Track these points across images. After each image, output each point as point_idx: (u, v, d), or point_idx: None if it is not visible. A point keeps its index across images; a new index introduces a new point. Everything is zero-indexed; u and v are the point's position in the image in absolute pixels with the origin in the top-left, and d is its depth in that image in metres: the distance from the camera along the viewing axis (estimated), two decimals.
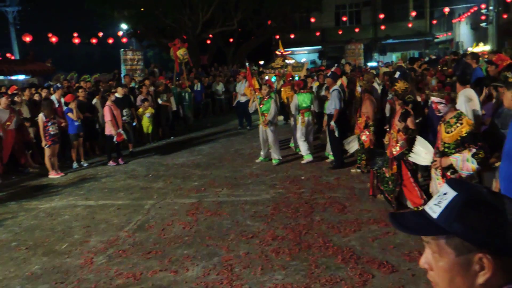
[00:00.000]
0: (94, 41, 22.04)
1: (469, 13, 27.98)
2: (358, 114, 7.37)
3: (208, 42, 26.03)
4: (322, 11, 29.49)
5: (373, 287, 3.87)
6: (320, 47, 31.49)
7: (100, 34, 22.45)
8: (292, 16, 27.81)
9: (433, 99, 4.40)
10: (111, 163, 9.43)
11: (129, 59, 16.80)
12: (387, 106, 7.49)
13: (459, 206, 0.96)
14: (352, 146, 7.49)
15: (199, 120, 15.75)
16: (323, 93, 9.41)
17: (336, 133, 7.86)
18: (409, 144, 5.41)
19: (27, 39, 18.39)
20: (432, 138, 5.32)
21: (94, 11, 22.15)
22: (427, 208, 1.02)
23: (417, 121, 5.85)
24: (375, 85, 8.81)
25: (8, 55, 23.11)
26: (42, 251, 5.12)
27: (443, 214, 0.97)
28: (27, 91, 10.67)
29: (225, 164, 9.00)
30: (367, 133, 7.04)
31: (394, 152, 5.59)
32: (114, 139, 9.24)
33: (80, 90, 10.28)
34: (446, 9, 27.97)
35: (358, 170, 7.57)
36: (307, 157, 8.59)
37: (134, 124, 10.85)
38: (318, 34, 30.71)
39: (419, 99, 6.69)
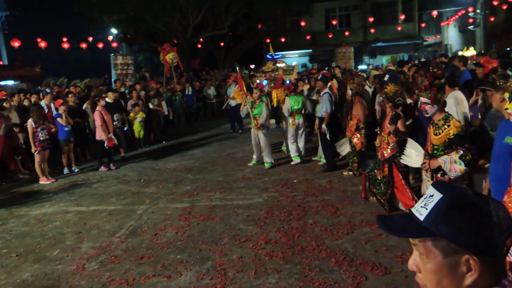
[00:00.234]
0: (84, 45, 21.89)
1: (457, 16, 28.36)
2: (349, 117, 7.41)
3: (199, 46, 25.98)
4: (312, 14, 29.63)
5: None
6: (310, 50, 31.63)
7: (90, 38, 22.28)
8: (282, 19, 27.88)
9: (422, 99, 4.45)
10: (102, 168, 9.37)
11: (120, 63, 16.72)
12: (377, 108, 7.54)
13: (445, 208, 0.97)
14: (344, 148, 7.52)
15: (191, 124, 15.71)
16: (314, 96, 9.46)
17: (328, 136, 7.90)
18: (400, 147, 5.45)
19: (16, 44, 18.21)
20: (422, 140, 5.37)
21: (84, 16, 22.01)
22: (414, 210, 1.04)
23: (408, 123, 5.90)
24: (366, 88, 8.88)
25: None
26: (33, 258, 5.06)
27: (429, 216, 0.99)
28: (16, 96, 10.57)
29: (217, 168, 8.99)
30: (359, 135, 7.08)
31: (386, 155, 5.62)
32: (105, 144, 9.19)
33: (70, 95, 10.22)
34: (434, 12, 28.34)
35: (350, 173, 7.61)
36: (296, 159, 8.70)
37: (125, 129, 10.80)
38: (308, 37, 30.86)
39: (410, 100, 6.75)
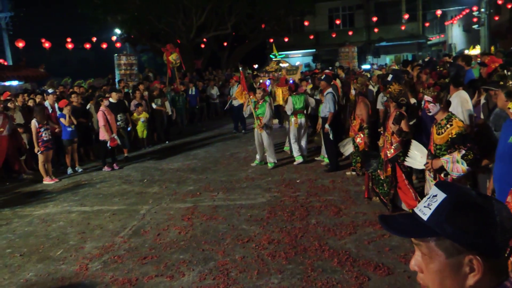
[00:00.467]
0: (87, 46, 21.96)
1: (461, 16, 28.25)
2: (353, 116, 7.40)
3: (202, 46, 26.03)
4: (315, 14, 29.58)
5: None
6: (314, 50, 31.61)
7: (94, 39, 22.35)
8: (285, 19, 27.87)
9: (425, 98, 4.43)
10: (105, 168, 9.39)
11: (123, 64, 16.75)
12: (380, 108, 7.52)
13: (448, 208, 0.97)
14: (347, 148, 7.51)
15: (194, 124, 15.73)
16: (317, 96, 9.45)
17: (331, 136, 7.89)
18: (404, 147, 5.43)
19: (20, 44, 18.30)
20: (425, 140, 5.34)
21: (87, 16, 22.10)
22: (417, 210, 1.03)
23: (411, 123, 5.87)
24: (370, 87, 8.85)
25: (1, 61, 22.96)
26: (36, 257, 5.08)
27: (433, 216, 0.98)
28: (20, 97, 10.62)
29: (220, 168, 8.99)
30: (362, 135, 7.06)
31: (389, 155, 5.60)
32: (108, 144, 9.21)
33: (73, 96, 10.25)
34: (439, 12, 28.27)
35: (353, 173, 7.59)
36: (298, 159, 8.71)
37: (129, 129, 10.82)
38: (312, 37, 30.83)
39: (414, 100, 6.72)
